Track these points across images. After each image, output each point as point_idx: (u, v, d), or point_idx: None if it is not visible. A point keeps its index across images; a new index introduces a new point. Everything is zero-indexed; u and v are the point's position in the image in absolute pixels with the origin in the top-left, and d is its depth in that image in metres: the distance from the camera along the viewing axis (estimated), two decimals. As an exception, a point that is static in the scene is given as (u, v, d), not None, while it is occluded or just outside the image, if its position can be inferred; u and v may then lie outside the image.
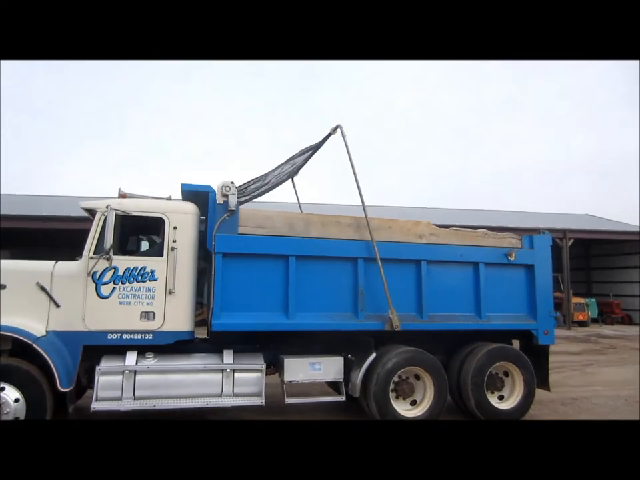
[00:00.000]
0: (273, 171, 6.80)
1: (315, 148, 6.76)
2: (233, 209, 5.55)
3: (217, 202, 5.58)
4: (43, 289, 5.25)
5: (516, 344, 7.09)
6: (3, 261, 5.31)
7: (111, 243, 5.18)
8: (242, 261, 5.57)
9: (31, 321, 5.18)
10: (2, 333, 4.87)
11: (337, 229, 5.97)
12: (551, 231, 8.68)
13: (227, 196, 5.56)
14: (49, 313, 5.26)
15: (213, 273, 5.46)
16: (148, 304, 5.46)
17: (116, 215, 5.39)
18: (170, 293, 5.49)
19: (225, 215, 5.55)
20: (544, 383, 6.79)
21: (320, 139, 6.58)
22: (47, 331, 5.19)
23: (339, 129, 6.06)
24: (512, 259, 6.58)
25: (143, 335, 5.42)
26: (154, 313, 5.47)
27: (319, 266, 5.83)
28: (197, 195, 5.91)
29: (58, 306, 5.27)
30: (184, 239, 5.65)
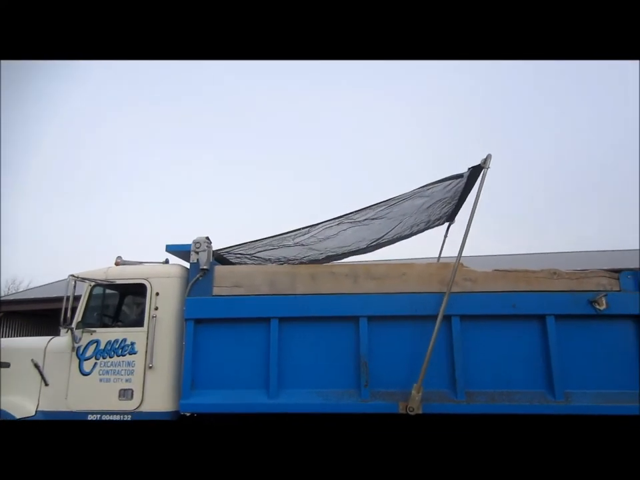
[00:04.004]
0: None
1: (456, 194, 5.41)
2: (205, 267, 4.87)
3: (192, 261, 4.99)
4: (36, 366, 5.18)
5: None
6: (5, 339, 5.44)
7: (65, 314, 4.91)
8: (216, 327, 4.74)
9: (26, 400, 5.09)
10: None
11: (330, 281, 4.78)
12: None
13: (197, 253, 4.94)
14: (39, 391, 5.12)
15: (183, 343, 4.76)
16: (127, 380, 4.95)
17: (97, 284, 5.21)
18: (149, 367, 4.93)
19: (198, 275, 4.89)
20: None
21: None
22: (36, 411, 5.02)
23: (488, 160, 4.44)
24: (601, 307, 4.49)
25: (121, 416, 4.88)
26: (132, 391, 4.91)
27: (309, 330, 4.65)
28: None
29: (47, 384, 5.11)
30: (167, 306, 5.12)
